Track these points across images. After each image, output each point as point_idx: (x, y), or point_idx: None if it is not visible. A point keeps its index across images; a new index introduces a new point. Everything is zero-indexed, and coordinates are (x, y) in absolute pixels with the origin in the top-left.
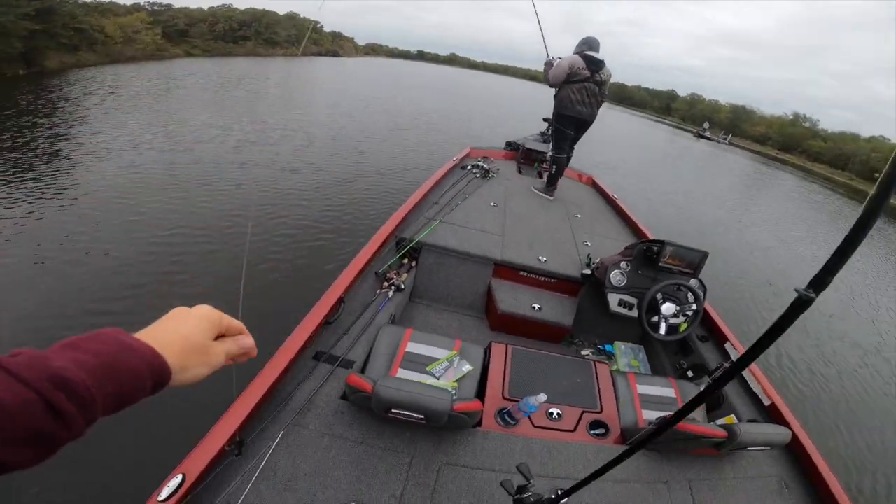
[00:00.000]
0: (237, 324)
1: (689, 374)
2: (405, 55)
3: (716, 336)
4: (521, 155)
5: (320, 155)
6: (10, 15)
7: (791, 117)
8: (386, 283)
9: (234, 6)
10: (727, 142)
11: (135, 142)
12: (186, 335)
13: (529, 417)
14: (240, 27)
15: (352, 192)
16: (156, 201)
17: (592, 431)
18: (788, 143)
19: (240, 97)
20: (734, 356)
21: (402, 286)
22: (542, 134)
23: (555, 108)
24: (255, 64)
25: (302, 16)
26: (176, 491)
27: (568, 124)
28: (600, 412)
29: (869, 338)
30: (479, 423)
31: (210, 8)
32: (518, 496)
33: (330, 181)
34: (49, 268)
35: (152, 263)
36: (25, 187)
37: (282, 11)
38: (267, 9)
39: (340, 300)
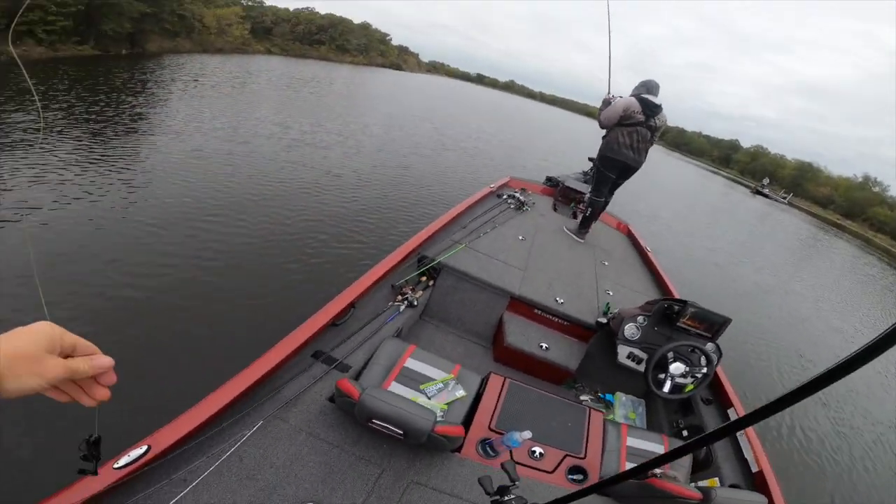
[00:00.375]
0: (86, 344)
1: (685, 433)
2: (465, 76)
3: (720, 400)
4: (560, 192)
5: (365, 164)
6: None
7: (860, 180)
8: (399, 297)
9: (316, 10)
10: (787, 202)
11: (203, 128)
12: (16, 344)
13: (511, 452)
14: (317, 31)
15: (386, 203)
16: (207, 186)
17: (571, 476)
18: (852, 209)
19: (305, 98)
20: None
21: (416, 303)
22: (585, 174)
23: (601, 148)
24: (324, 68)
25: (374, 27)
26: (135, 461)
27: (611, 168)
28: (583, 458)
29: (890, 415)
30: (459, 450)
31: (295, 9)
32: (497, 497)
33: (368, 191)
34: (100, 233)
35: (189, 245)
36: (99, 156)
37: (357, 20)
38: (345, 16)
39: (351, 305)
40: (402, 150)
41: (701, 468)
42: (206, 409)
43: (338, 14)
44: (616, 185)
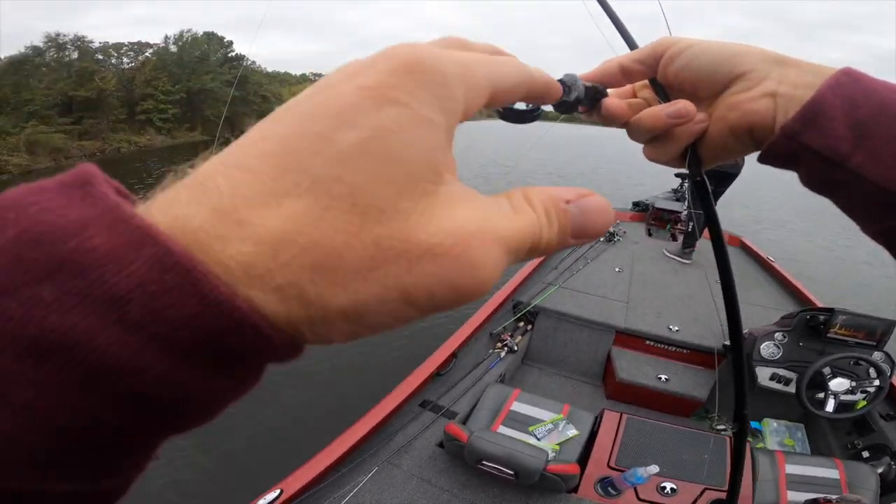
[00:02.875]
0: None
1: (865, 454)
2: None
3: None
4: (651, 216)
5: None
6: (217, 81)
7: None
8: (499, 344)
9: None
10: None
11: None
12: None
13: (635, 490)
14: None
15: None
16: None
17: None
18: None
19: None
20: None
21: (516, 348)
22: (675, 191)
23: None
24: None
25: None
26: (271, 503)
27: (708, 178)
28: (728, 490)
29: None
30: (576, 490)
31: None
32: None
33: None
34: None
35: None
36: None
37: None
38: None
39: (453, 355)
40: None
41: (890, 490)
42: (329, 456)
43: None
44: (717, 194)
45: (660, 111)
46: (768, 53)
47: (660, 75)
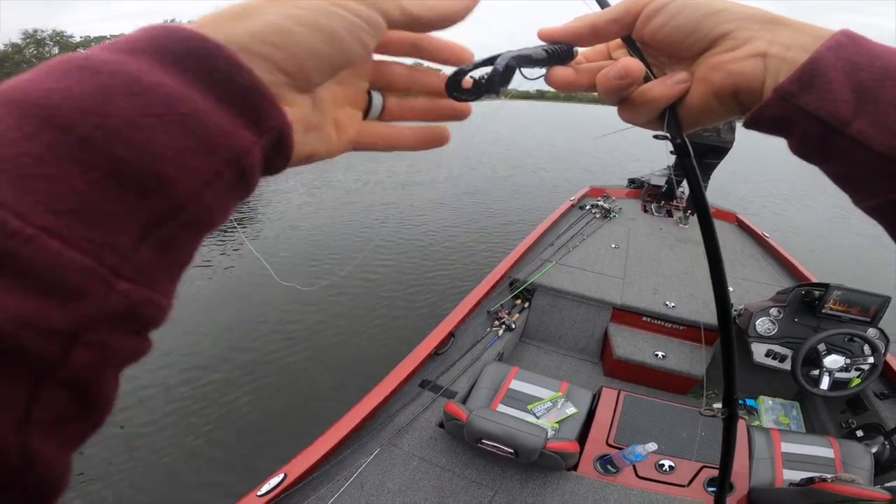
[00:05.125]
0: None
1: (859, 433)
2: (525, 96)
3: None
4: (647, 192)
5: (445, 196)
6: None
7: None
8: (497, 322)
9: None
10: None
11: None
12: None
13: (634, 467)
14: None
15: (467, 233)
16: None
17: (711, 489)
18: None
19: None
20: None
21: (513, 326)
22: (670, 167)
23: None
24: None
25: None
26: (275, 488)
27: (697, 151)
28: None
29: None
30: (576, 468)
31: None
32: None
33: (455, 216)
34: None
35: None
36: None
37: None
38: None
39: (451, 334)
40: (478, 178)
41: (884, 470)
42: (331, 438)
43: None
44: (709, 166)
45: (607, 73)
46: (756, 11)
47: (636, 34)
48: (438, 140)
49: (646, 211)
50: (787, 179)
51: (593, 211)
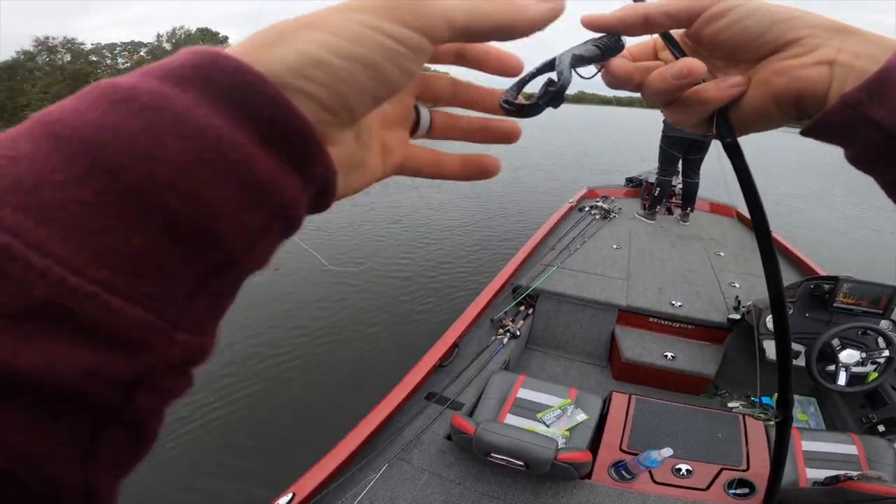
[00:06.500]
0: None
1: (881, 428)
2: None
3: None
4: (645, 191)
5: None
6: None
7: None
8: (501, 330)
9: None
10: None
11: None
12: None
13: (650, 472)
14: None
15: (471, 237)
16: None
17: (732, 491)
18: None
19: None
20: None
21: (518, 333)
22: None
23: (663, 128)
24: None
25: (433, 69)
26: None
27: (676, 146)
28: (746, 470)
29: None
30: (589, 476)
31: None
32: None
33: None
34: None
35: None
36: None
37: None
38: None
39: (455, 345)
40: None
41: None
42: (338, 455)
43: None
44: (695, 162)
45: (665, 72)
46: (827, 20)
47: (691, 32)
48: (486, 171)
49: (645, 209)
50: (789, 176)
51: (593, 212)
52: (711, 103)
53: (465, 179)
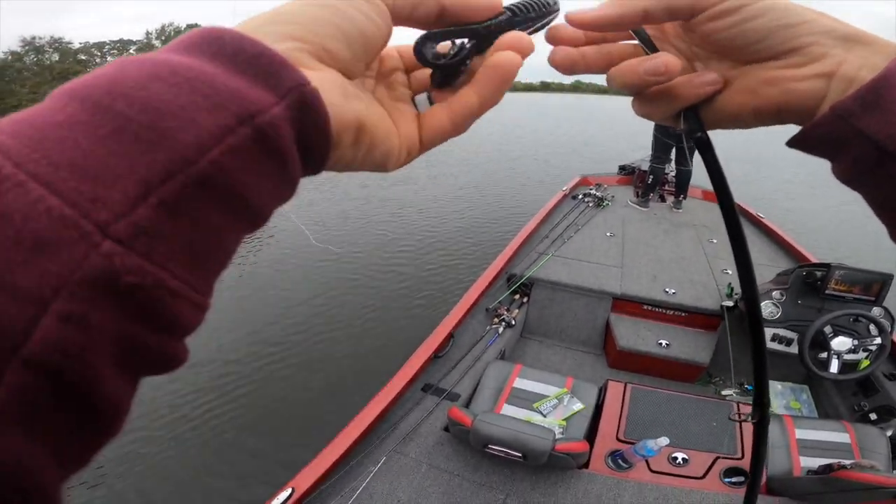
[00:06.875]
0: None
1: (872, 416)
2: (529, 88)
3: None
4: (638, 178)
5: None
6: None
7: None
8: (496, 320)
9: None
10: None
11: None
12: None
13: (647, 461)
14: None
15: (464, 228)
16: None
17: (727, 479)
18: None
19: None
20: None
21: (513, 322)
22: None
23: None
24: None
25: None
26: (284, 503)
27: (669, 134)
28: (740, 458)
29: None
30: (586, 465)
31: None
32: None
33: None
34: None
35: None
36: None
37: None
38: None
39: (450, 335)
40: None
41: None
42: (336, 449)
43: None
44: (689, 150)
45: (638, 66)
46: (836, 27)
47: (688, 25)
48: (506, 71)
49: (638, 196)
50: (776, 168)
51: (586, 200)
52: (682, 100)
53: (487, 101)
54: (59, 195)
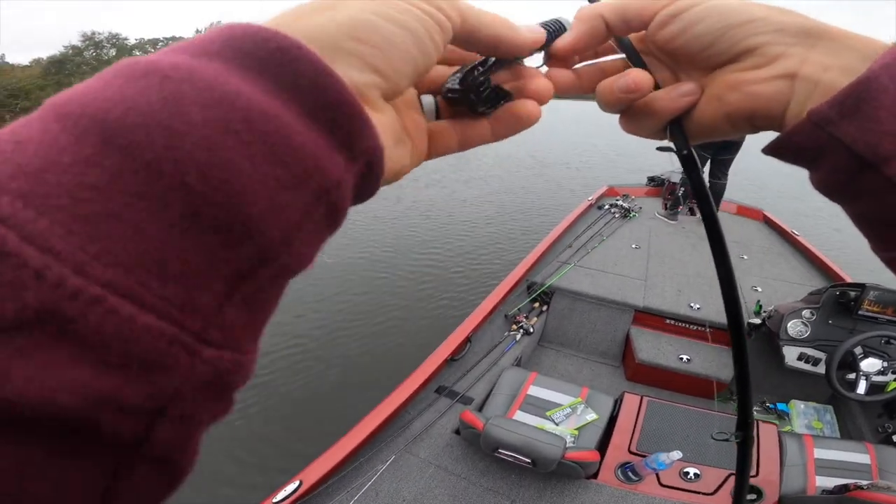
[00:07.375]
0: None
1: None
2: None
3: None
4: (667, 190)
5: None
6: None
7: None
8: (514, 327)
9: None
10: None
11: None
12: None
13: (657, 475)
14: None
15: (492, 234)
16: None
17: None
18: None
19: None
20: None
21: (531, 330)
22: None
23: None
24: None
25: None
26: (291, 495)
27: (705, 145)
28: (755, 475)
29: None
30: (596, 476)
31: None
32: None
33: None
34: None
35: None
36: None
37: None
38: None
39: (467, 339)
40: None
41: None
42: (346, 445)
43: None
44: (724, 163)
45: (612, 84)
46: (794, 21)
47: (649, 37)
48: (522, 119)
49: (667, 209)
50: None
51: (612, 210)
52: (662, 114)
53: (500, 137)
54: (149, 309)
